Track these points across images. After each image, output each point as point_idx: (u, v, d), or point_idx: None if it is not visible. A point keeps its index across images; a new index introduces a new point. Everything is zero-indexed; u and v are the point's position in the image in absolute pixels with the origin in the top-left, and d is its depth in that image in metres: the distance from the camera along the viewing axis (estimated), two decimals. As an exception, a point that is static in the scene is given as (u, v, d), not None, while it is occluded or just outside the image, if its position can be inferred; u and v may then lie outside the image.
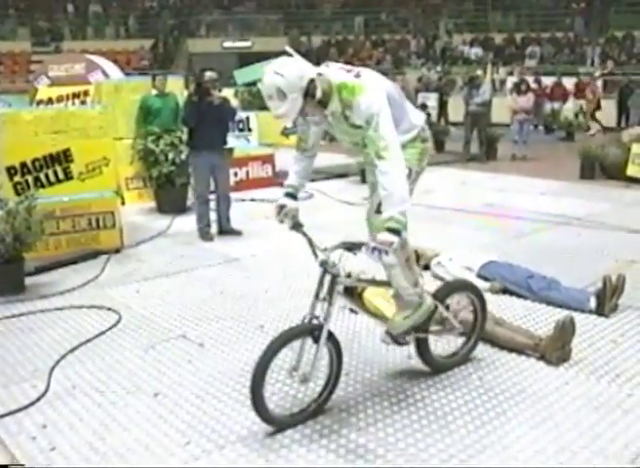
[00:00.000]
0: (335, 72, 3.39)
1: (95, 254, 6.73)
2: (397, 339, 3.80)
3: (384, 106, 3.28)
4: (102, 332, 4.74)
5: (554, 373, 3.99)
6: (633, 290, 5.17)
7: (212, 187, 7.51)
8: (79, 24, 32.61)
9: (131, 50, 30.63)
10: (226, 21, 33.00)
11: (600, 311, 4.92)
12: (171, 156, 8.55)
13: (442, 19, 30.57)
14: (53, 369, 4.14)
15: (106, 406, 3.68)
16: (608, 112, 19.48)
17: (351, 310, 4.96)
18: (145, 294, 5.59)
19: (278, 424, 3.41)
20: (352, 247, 3.36)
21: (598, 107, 18.72)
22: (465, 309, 4.34)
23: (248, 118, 12.54)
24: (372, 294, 4.91)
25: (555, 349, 4.11)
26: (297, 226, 3.58)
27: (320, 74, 3.30)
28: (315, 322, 3.39)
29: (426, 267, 5.89)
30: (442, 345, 4.21)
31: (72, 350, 4.43)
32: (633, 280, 5.25)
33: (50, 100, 12.83)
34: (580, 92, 19.21)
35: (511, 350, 4.29)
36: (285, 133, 16.47)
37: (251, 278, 6.01)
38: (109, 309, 5.20)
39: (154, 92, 9.29)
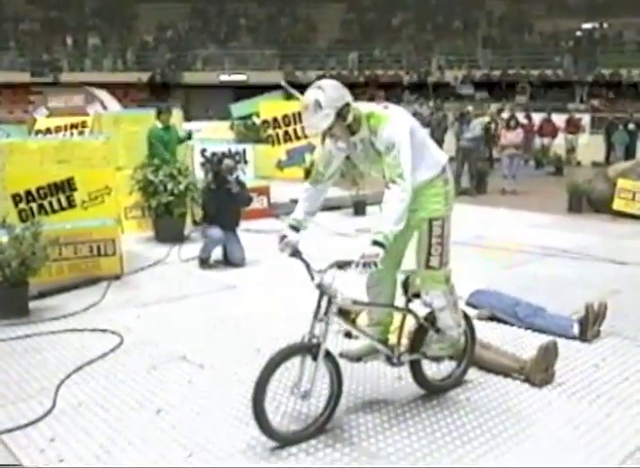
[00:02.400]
0: (364, 105, 3.75)
1: (95, 280, 6.90)
2: (392, 361, 4.01)
3: (406, 137, 3.57)
4: (105, 354, 4.91)
5: (538, 395, 4.21)
6: (615, 317, 5.39)
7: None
8: (77, 56, 33.14)
9: (128, 82, 31.01)
10: (222, 56, 33.59)
11: (583, 337, 5.14)
12: (170, 186, 8.76)
13: (434, 56, 31.23)
14: (59, 387, 4.31)
15: (111, 421, 3.86)
16: (595, 147, 19.97)
17: (346, 334, 5.17)
18: (146, 319, 5.77)
19: (281, 440, 3.57)
20: (343, 265, 3.55)
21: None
22: None
23: (244, 150, 12.84)
24: (363, 320, 5.15)
25: (539, 372, 4.33)
26: (295, 253, 3.79)
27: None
28: (314, 341, 3.59)
29: (417, 295, 6.08)
30: (432, 368, 4.42)
31: (77, 370, 4.61)
32: (616, 308, 5.48)
33: (48, 131, 13.09)
34: (569, 127, 19.77)
35: (497, 373, 4.50)
36: (280, 166, 16.83)
37: (247, 304, 6.20)
38: (111, 332, 5.38)
39: (159, 124, 9.55)
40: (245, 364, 4.70)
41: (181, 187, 8.79)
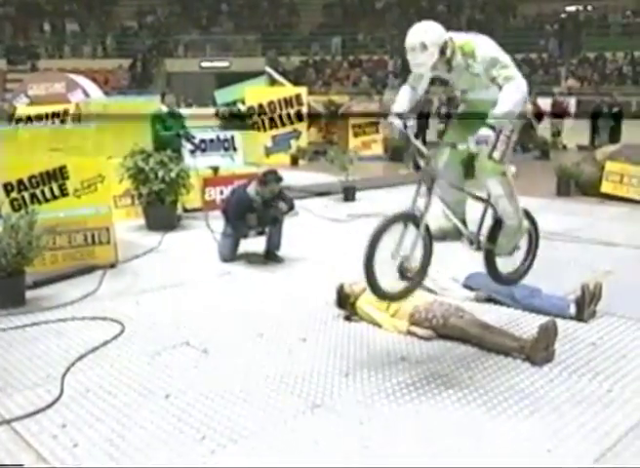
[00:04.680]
0: (457, 35, 4.33)
1: (90, 269, 6.88)
2: (472, 244, 4.65)
3: (500, 51, 4.31)
4: (108, 341, 4.92)
5: (539, 373, 4.29)
6: (609, 297, 5.47)
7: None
8: (56, 43, 32.79)
9: (109, 69, 30.81)
10: (204, 42, 33.45)
11: (579, 317, 5.24)
12: (160, 174, 8.73)
13: (418, 40, 31.15)
14: (64, 374, 4.32)
15: (121, 407, 3.88)
16: (581, 131, 20.11)
17: (346, 318, 5.25)
18: (145, 306, 5.79)
19: (389, 298, 4.24)
20: (454, 145, 4.22)
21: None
22: None
23: (233, 137, 12.80)
24: (363, 303, 5.25)
25: (539, 350, 4.41)
26: (403, 136, 4.41)
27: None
28: (417, 213, 4.11)
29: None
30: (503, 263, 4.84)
31: (81, 358, 4.61)
32: (609, 289, 5.56)
33: (29, 119, 12.99)
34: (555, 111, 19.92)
35: (498, 352, 4.58)
36: (267, 152, 16.89)
37: (246, 290, 6.24)
38: (112, 320, 5.39)
39: (164, 108, 9.57)
40: (249, 348, 4.76)
41: (173, 175, 8.76)
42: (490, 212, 4.59)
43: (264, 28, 33.79)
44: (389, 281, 4.17)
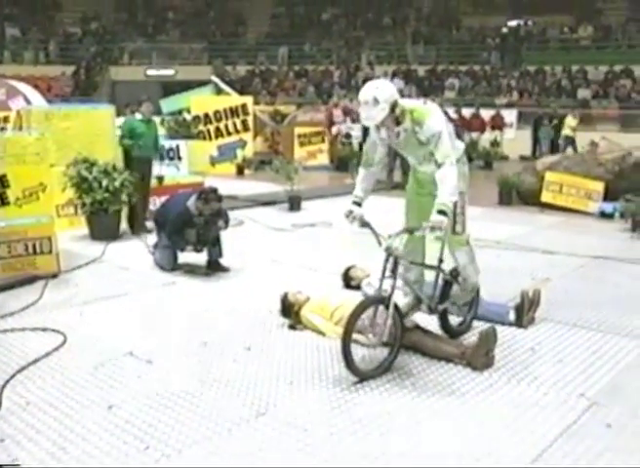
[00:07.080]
0: (407, 101, 4.58)
1: (32, 280, 6.75)
2: (431, 309, 4.76)
3: (445, 127, 4.42)
4: (49, 353, 4.84)
5: (479, 378, 4.41)
6: (548, 304, 5.67)
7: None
8: (-5, 48, 31.98)
9: (51, 76, 30.11)
10: (150, 50, 33.00)
11: (519, 323, 5.38)
12: (104, 183, 8.63)
13: (364, 51, 31.53)
14: (3, 387, 4.24)
15: (62, 419, 3.83)
16: (522, 142, 20.61)
17: (290, 326, 5.29)
18: (88, 317, 5.71)
19: (361, 375, 4.32)
20: (412, 230, 4.51)
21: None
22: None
23: (178, 146, 12.74)
24: (307, 312, 5.29)
25: (480, 356, 4.52)
26: (364, 224, 4.56)
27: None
28: (384, 294, 4.33)
29: (358, 287, 6.22)
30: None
31: (21, 370, 4.53)
32: (548, 296, 5.76)
33: (-33, 126, 12.65)
34: (494, 122, 20.39)
35: (440, 359, 4.68)
36: (212, 162, 16.81)
37: (189, 299, 6.21)
38: (54, 331, 5.30)
39: (139, 116, 9.43)
40: (193, 358, 4.75)
41: (117, 184, 8.66)
42: (441, 275, 4.77)
43: (211, 37, 33.58)
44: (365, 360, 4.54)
